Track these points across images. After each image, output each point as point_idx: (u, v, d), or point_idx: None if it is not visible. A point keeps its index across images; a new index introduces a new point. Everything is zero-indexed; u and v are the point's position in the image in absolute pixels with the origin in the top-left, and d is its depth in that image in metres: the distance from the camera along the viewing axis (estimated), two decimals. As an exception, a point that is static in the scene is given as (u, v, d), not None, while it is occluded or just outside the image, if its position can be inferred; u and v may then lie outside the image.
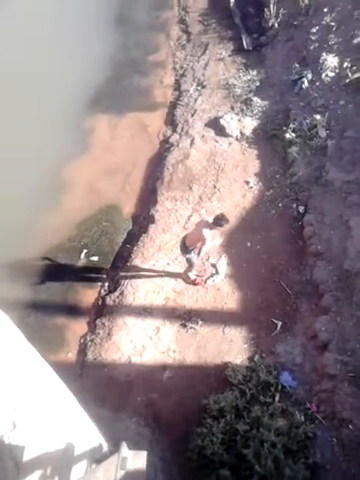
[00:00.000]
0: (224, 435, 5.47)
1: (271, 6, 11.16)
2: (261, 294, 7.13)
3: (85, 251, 8.15)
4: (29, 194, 8.33)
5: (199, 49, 12.01)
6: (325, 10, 10.51)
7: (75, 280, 7.80)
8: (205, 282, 7.36)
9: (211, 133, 9.69)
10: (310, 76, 9.65)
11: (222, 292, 7.26)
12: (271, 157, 9.03)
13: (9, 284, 7.42)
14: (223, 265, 7.45)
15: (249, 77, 10.67)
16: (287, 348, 6.48)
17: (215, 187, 8.64)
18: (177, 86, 11.29)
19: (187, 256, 6.76)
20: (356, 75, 9.06)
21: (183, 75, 11.47)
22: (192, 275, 7.32)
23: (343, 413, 5.56)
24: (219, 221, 6.07)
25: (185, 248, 6.62)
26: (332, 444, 5.46)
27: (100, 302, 7.58)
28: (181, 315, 7.04)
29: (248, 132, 9.50)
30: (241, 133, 9.50)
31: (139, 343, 6.80)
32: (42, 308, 7.42)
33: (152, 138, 10.13)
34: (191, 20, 12.98)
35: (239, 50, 11.53)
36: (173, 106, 10.79)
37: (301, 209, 7.99)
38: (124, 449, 3.35)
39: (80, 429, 3.50)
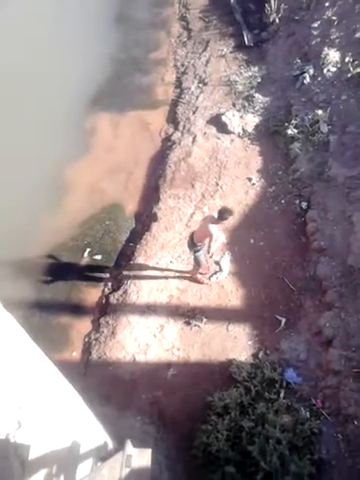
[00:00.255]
0: (229, 432, 5.47)
1: (272, 1, 11.13)
2: (265, 291, 7.13)
3: (88, 250, 8.16)
4: (32, 194, 8.34)
5: (200, 46, 11.98)
6: (326, 4, 10.46)
7: (79, 279, 7.81)
8: (209, 279, 7.35)
9: (213, 130, 9.67)
10: (312, 71, 9.61)
11: (226, 289, 7.26)
12: (273, 153, 9.01)
13: (13, 284, 7.44)
14: (226, 262, 7.44)
15: (250, 73, 10.64)
16: (291, 344, 6.48)
17: (217, 184, 8.63)
18: (178, 83, 11.27)
19: (195, 254, 6.74)
20: (358, 69, 9.02)
21: (184, 72, 11.44)
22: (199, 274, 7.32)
23: (348, 409, 5.56)
24: (223, 214, 6.06)
25: (193, 245, 6.62)
26: (337, 440, 5.47)
27: (104, 301, 7.59)
28: (185, 313, 7.04)
29: (250, 129, 9.48)
30: (243, 130, 9.48)
31: (143, 341, 6.81)
32: (46, 307, 7.44)
33: (154, 136, 10.12)
34: (192, 17, 12.95)
35: (240, 46, 11.50)
36: (175, 104, 10.78)
37: (304, 205, 7.98)
38: (129, 447, 3.36)
39: (85, 427, 3.51)
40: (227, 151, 9.21)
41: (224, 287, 7.29)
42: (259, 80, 10.43)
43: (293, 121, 8.95)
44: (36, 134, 9.20)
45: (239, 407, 5.73)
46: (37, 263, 7.96)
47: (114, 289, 7.67)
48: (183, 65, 11.68)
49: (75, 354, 7.00)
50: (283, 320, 6.75)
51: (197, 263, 6.97)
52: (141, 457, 3.34)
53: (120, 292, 7.48)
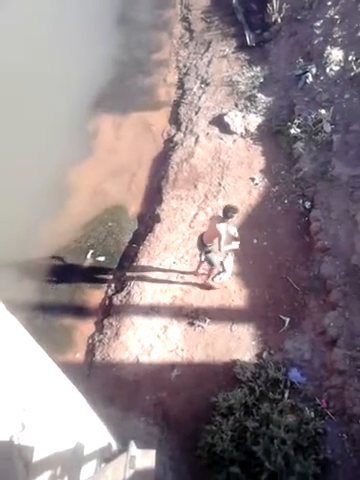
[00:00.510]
0: (233, 432, 5.46)
1: (274, 1, 11.15)
2: (268, 291, 7.12)
3: (91, 252, 8.16)
4: (35, 197, 8.34)
5: (202, 47, 11.99)
6: (329, 3, 10.45)
7: (82, 281, 7.81)
8: (212, 280, 7.35)
9: (215, 131, 9.67)
10: (314, 71, 9.60)
11: (229, 290, 7.25)
12: (276, 153, 9.00)
13: (17, 286, 7.46)
14: (230, 263, 7.43)
15: (253, 73, 10.64)
16: (295, 344, 6.46)
17: (220, 185, 8.62)
18: (181, 84, 11.28)
19: (207, 255, 6.74)
20: (361, 68, 9.01)
21: (186, 73, 11.45)
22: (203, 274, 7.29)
23: (353, 409, 5.54)
24: (228, 212, 6.08)
25: (203, 246, 6.62)
26: (342, 440, 5.46)
27: (107, 302, 7.59)
28: (188, 313, 7.03)
29: (253, 129, 9.48)
30: (246, 130, 9.48)
31: (147, 342, 6.81)
32: (49, 309, 7.44)
33: (156, 137, 10.13)
34: (194, 18, 12.96)
35: (242, 46, 11.51)
36: (177, 105, 10.78)
37: (307, 205, 7.96)
38: (133, 448, 3.36)
39: (89, 429, 3.51)
40: (230, 151, 9.20)
41: (227, 287, 7.28)
42: (261, 80, 10.44)
43: (296, 121, 8.94)
44: (39, 136, 9.20)
45: (243, 407, 5.72)
46: (40, 265, 7.97)
47: (117, 290, 7.67)
48: (185, 66, 11.69)
49: (79, 356, 7.00)
50: (287, 320, 6.74)
51: (210, 264, 6.93)
52: (145, 458, 3.34)
53: (123, 293, 7.49)
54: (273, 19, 11.34)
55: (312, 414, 5.59)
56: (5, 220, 7.76)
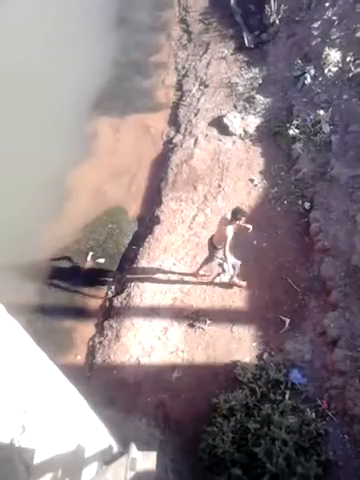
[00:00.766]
0: (235, 434, 5.45)
1: (272, 2, 11.16)
2: (269, 292, 7.11)
3: (91, 253, 8.16)
4: (35, 199, 8.37)
5: (201, 48, 12.01)
6: (326, 4, 10.48)
7: (82, 283, 7.80)
8: (212, 281, 7.35)
9: (214, 132, 9.69)
10: (313, 72, 9.62)
11: (229, 291, 7.24)
12: (275, 154, 9.01)
13: (17, 288, 7.46)
14: (230, 265, 7.41)
15: (251, 75, 10.67)
16: (296, 345, 6.45)
17: (220, 186, 8.63)
18: (179, 86, 11.29)
19: (218, 261, 6.81)
20: (359, 69, 9.01)
21: (185, 75, 11.47)
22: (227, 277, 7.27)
23: (354, 409, 5.53)
24: (237, 215, 6.11)
25: (214, 248, 6.62)
26: (344, 441, 5.44)
27: (107, 304, 7.58)
28: (189, 315, 7.03)
29: (251, 130, 9.49)
30: (244, 131, 9.49)
31: (147, 344, 6.80)
32: (50, 311, 7.44)
33: (156, 139, 10.13)
34: (192, 19, 12.98)
35: (241, 48, 11.54)
36: (176, 106, 10.79)
37: (307, 205, 7.96)
38: (133, 450, 3.35)
39: (90, 431, 3.51)
40: (229, 153, 9.21)
41: (228, 289, 7.27)
42: (260, 81, 10.46)
43: (295, 122, 8.95)
44: (38, 138, 9.23)
45: (244, 409, 5.71)
46: (40, 267, 7.96)
47: (117, 292, 7.66)
48: (184, 68, 11.70)
49: (79, 358, 6.99)
50: (287, 321, 6.73)
51: (226, 266, 6.94)
52: (146, 460, 3.33)
53: (124, 295, 7.48)
54: (271, 20, 11.36)
55: (313, 415, 5.56)
56: (5, 222, 7.77)
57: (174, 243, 7.96)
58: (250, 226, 6.61)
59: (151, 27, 12.92)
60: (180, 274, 7.54)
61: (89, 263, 8.09)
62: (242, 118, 9.69)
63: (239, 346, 6.64)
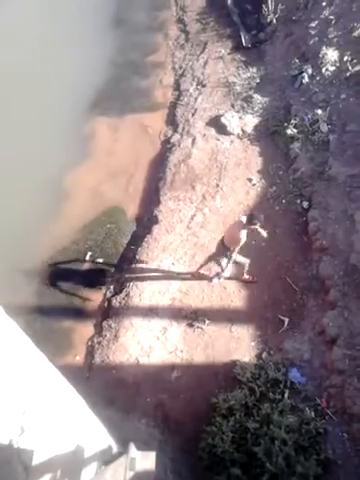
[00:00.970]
0: (234, 433, 5.45)
1: (269, 2, 11.15)
2: (267, 291, 7.12)
3: (90, 254, 8.15)
4: (33, 200, 8.36)
5: (198, 48, 12.00)
6: (323, 4, 10.48)
7: (81, 283, 7.78)
8: (211, 281, 7.34)
9: (212, 132, 9.68)
10: (310, 71, 9.62)
11: (228, 290, 7.25)
12: (273, 154, 9.01)
13: (15, 289, 7.44)
14: (229, 265, 7.41)
15: (249, 74, 10.67)
16: (295, 344, 6.46)
17: (218, 186, 8.63)
18: (177, 86, 11.28)
19: (229, 263, 6.80)
20: (357, 68, 9.05)
21: (182, 75, 11.46)
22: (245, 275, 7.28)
23: (353, 408, 5.53)
24: (253, 220, 6.12)
25: (226, 249, 6.61)
26: (343, 439, 5.44)
27: (106, 304, 7.57)
28: (188, 315, 7.02)
29: (249, 129, 9.49)
30: (242, 131, 9.49)
31: (146, 344, 6.80)
32: (48, 312, 7.42)
33: (153, 139, 10.12)
34: (189, 19, 12.97)
35: (238, 47, 11.53)
36: (173, 106, 10.78)
37: (305, 204, 7.97)
38: (133, 450, 3.35)
39: (89, 431, 3.50)
40: (227, 152, 9.21)
41: (226, 288, 7.27)
42: (258, 81, 10.45)
43: (293, 121, 8.95)
44: (35, 138, 9.22)
45: (244, 408, 5.71)
46: (39, 268, 7.95)
47: (116, 292, 7.65)
48: (181, 67, 11.69)
49: (78, 358, 6.98)
50: (286, 320, 6.74)
51: (239, 265, 6.97)
52: (145, 460, 3.32)
53: (122, 295, 7.48)
54: (268, 20, 11.36)
55: (312, 414, 5.57)
56: (3, 223, 7.76)
57: (173, 243, 7.96)
58: (265, 233, 6.60)
59: (148, 27, 12.91)
60: (179, 274, 7.53)
61: (88, 263, 8.08)
62: (240, 117, 9.69)
63: (238, 346, 6.64)
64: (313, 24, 10.34)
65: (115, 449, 3.93)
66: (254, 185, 8.55)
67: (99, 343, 6.99)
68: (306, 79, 9.58)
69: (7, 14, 11.83)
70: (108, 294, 7.70)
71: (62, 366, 3.32)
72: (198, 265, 7.38)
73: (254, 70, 10.71)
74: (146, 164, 9.60)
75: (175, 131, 10.10)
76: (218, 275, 7.32)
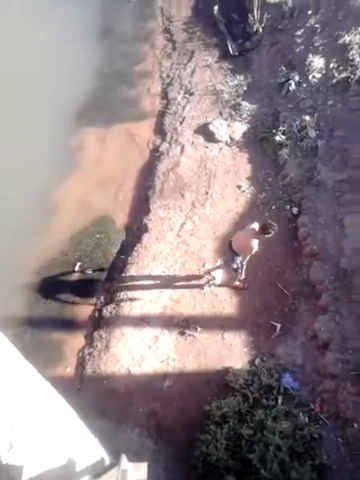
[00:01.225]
0: (228, 441, 5.42)
1: (255, 11, 11.25)
2: (259, 297, 7.12)
3: (79, 264, 8.09)
4: (21, 211, 8.29)
5: (185, 57, 12.05)
6: (309, 12, 10.63)
7: (70, 294, 7.71)
8: (203, 288, 7.33)
9: (201, 139, 9.72)
10: (297, 78, 9.72)
11: (220, 297, 7.24)
12: (262, 160, 9.06)
13: (4, 301, 7.34)
14: (219, 271, 7.42)
15: (236, 82, 10.75)
16: (287, 350, 6.46)
17: (207, 193, 8.64)
18: (164, 95, 11.31)
19: (234, 266, 6.80)
20: (343, 75, 9.17)
21: (170, 83, 11.50)
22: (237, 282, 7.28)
23: (347, 412, 5.54)
24: (267, 230, 6.08)
25: (234, 254, 6.63)
26: (338, 444, 5.44)
27: (97, 314, 7.51)
28: (179, 323, 7.00)
29: (238, 137, 9.54)
30: (231, 138, 9.54)
31: (138, 353, 6.75)
32: (38, 324, 7.34)
33: (142, 148, 10.12)
34: (175, 29, 13.04)
35: (225, 56, 11.61)
36: (161, 115, 10.80)
37: (295, 210, 8.01)
38: (124, 461, 3.31)
39: (81, 444, 3.45)
40: (216, 160, 9.24)
41: (218, 295, 7.26)
42: (245, 88, 10.53)
43: (281, 127, 9.02)
44: (23, 150, 9.15)
45: (237, 415, 5.69)
46: (28, 279, 7.87)
47: (107, 302, 7.60)
48: (168, 76, 11.74)
49: (69, 370, 6.90)
50: (278, 326, 6.74)
51: (236, 271, 6.98)
52: (137, 471, 3.29)
53: (113, 305, 7.43)
54: (254, 29, 11.47)
55: (306, 419, 5.56)
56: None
57: (163, 251, 7.94)
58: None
59: (135, 37, 12.94)
60: (169, 282, 7.51)
61: (77, 274, 8.02)
62: (228, 125, 9.74)
63: (230, 352, 6.62)
64: (299, 32, 10.48)
65: (107, 461, 3.88)
66: (243, 192, 8.58)
67: (90, 354, 6.93)
68: (293, 86, 9.68)
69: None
70: (99, 304, 7.64)
71: (52, 378, 3.28)
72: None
73: (241, 78, 10.80)
74: (135, 173, 9.59)
75: (163, 140, 10.12)
76: (209, 282, 7.32)
